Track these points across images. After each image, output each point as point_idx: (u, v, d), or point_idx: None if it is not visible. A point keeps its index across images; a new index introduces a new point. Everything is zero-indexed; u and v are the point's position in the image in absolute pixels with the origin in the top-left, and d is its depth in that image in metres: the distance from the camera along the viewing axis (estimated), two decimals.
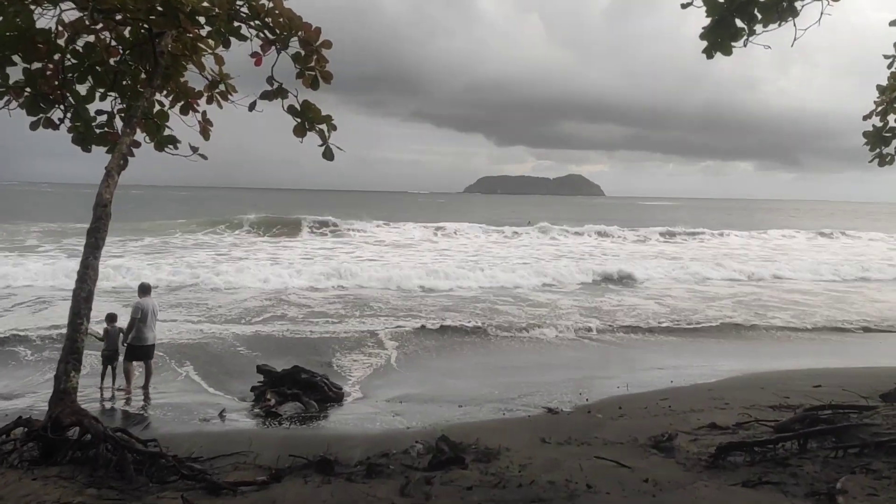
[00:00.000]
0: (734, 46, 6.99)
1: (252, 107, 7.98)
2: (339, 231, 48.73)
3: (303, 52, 7.68)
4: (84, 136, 8.32)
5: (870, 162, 10.83)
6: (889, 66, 9.80)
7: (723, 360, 14.93)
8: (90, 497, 5.93)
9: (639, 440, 8.29)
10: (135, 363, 12.10)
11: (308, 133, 7.94)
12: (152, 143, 8.71)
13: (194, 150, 8.52)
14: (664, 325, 19.13)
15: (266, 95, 7.90)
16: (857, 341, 18.02)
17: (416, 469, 7.06)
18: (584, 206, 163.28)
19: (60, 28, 7.42)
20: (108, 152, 8.28)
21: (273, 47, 7.62)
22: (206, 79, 8.44)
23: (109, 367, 12.08)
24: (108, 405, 11.30)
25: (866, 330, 19.25)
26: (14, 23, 7.11)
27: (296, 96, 7.85)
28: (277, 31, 7.56)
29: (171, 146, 8.69)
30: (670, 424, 8.98)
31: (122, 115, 8.35)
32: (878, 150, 10.57)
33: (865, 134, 10.49)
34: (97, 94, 8.14)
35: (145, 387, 11.97)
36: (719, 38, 6.91)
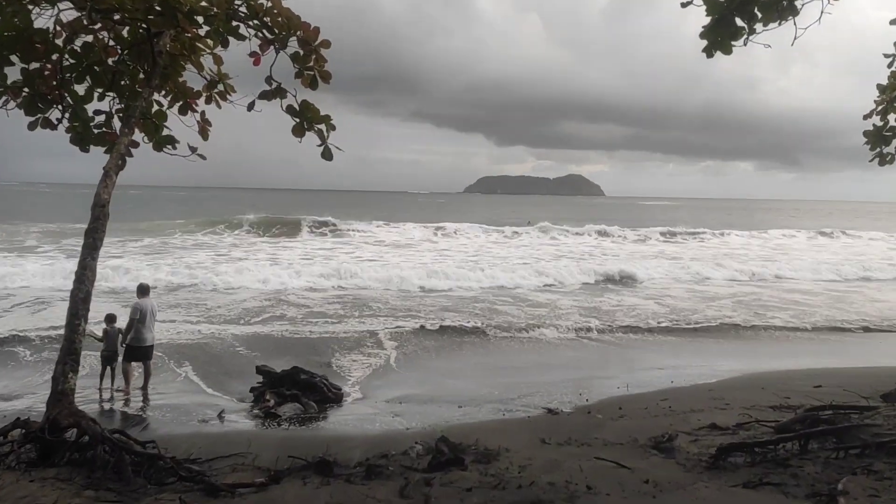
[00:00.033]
0: (734, 45, 6.97)
1: (251, 107, 7.97)
2: (339, 231, 48.71)
3: (301, 52, 7.67)
4: (82, 137, 8.30)
5: (870, 161, 10.81)
6: (889, 66, 9.78)
7: (723, 360, 14.91)
8: (88, 499, 5.91)
9: (639, 441, 8.27)
10: (134, 364, 12.07)
11: (307, 133, 7.93)
12: (151, 144, 8.70)
13: (193, 150, 8.50)
14: (664, 325, 19.11)
15: (265, 95, 7.89)
16: (857, 341, 18.00)
17: (415, 470, 7.03)
18: (584, 206, 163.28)
19: (58, 28, 7.40)
20: (106, 152, 8.27)
21: (272, 47, 7.61)
22: (205, 79, 8.43)
23: (108, 368, 12.05)
24: (106, 406, 11.26)
25: (866, 330, 19.23)
26: (12, 22, 7.09)
27: (294, 96, 7.83)
28: (276, 31, 7.54)
29: (169, 146, 8.68)
30: (670, 425, 8.95)
31: (121, 115, 8.34)
32: (878, 149, 10.56)
33: (866, 133, 10.48)
34: (95, 94, 8.12)
35: (144, 387, 11.93)
36: (719, 37, 6.89)
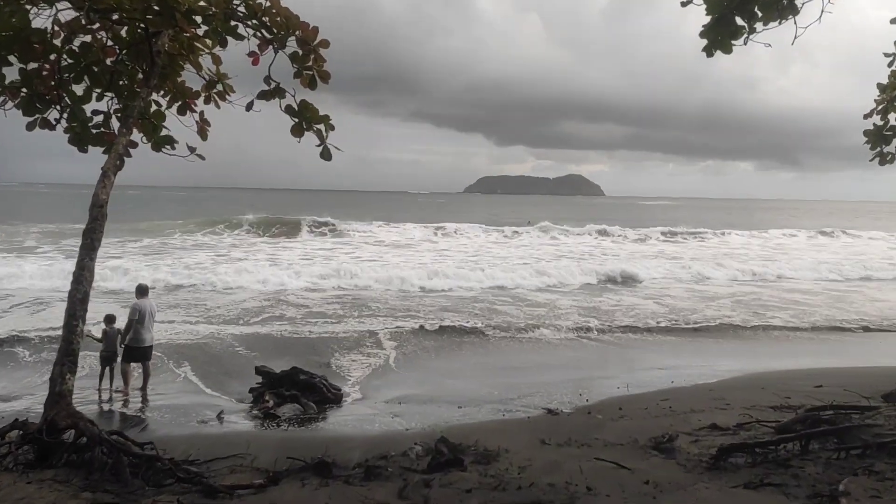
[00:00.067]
0: (734, 45, 6.94)
1: (249, 107, 7.95)
2: (339, 231, 48.66)
3: (300, 52, 7.65)
4: (80, 137, 8.28)
5: (871, 161, 10.80)
6: (889, 65, 9.76)
7: (723, 359, 14.88)
8: (85, 501, 5.89)
9: (639, 441, 8.24)
10: (133, 364, 12.04)
11: (306, 133, 7.90)
12: (149, 144, 8.67)
13: (192, 150, 8.49)
14: (664, 325, 19.08)
15: (263, 95, 7.87)
16: (857, 341, 17.97)
17: (414, 471, 7.01)
18: (584, 205, 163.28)
19: (56, 28, 7.37)
20: (104, 153, 8.24)
21: (270, 47, 7.59)
22: (204, 79, 8.41)
23: (108, 369, 12.03)
24: (105, 407, 11.23)
25: (867, 329, 19.21)
26: (10, 22, 7.06)
27: (293, 96, 7.81)
28: (275, 31, 7.53)
29: (168, 146, 8.66)
30: (671, 425, 8.93)
31: (119, 115, 8.31)
32: (878, 148, 10.54)
33: (866, 132, 10.46)
34: (94, 95, 8.10)
35: (143, 388, 11.91)
36: (719, 36, 6.87)
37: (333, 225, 49.92)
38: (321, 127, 7.83)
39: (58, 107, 7.88)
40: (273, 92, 7.85)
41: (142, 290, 12.46)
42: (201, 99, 8.47)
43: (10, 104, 7.68)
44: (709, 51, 7.02)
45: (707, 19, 6.87)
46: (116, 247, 34.07)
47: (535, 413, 10.39)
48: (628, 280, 27.98)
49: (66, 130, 8.14)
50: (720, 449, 7.28)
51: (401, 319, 18.78)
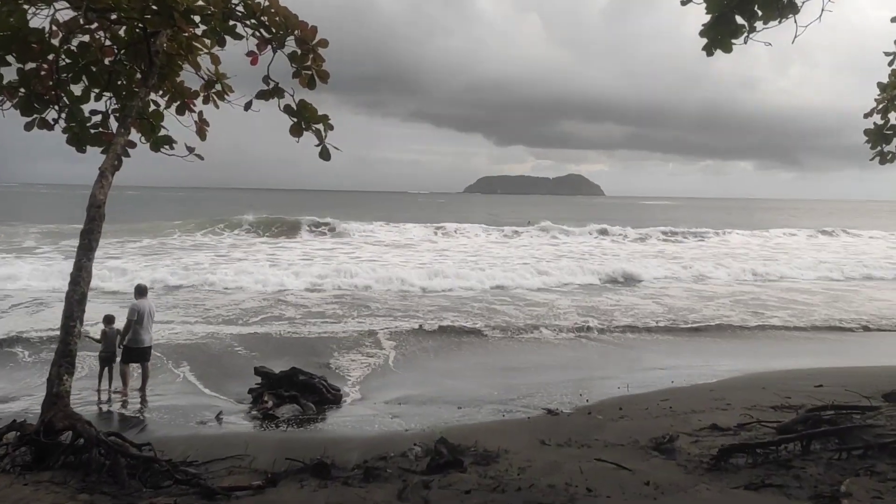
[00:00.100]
0: (734, 44, 6.91)
1: (248, 106, 7.92)
2: (339, 231, 48.60)
3: (299, 51, 7.62)
4: (79, 137, 8.25)
5: (871, 160, 10.78)
6: (890, 64, 9.73)
7: (723, 359, 14.86)
8: (82, 502, 5.86)
9: (639, 442, 8.22)
10: (132, 365, 12.01)
11: (305, 133, 7.87)
12: (148, 144, 8.65)
13: (190, 150, 8.46)
14: (664, 324, 19.05)
15: (262, 95, 7.84)
16: (857, 340, 17.95)
17: (413, 472, 6.98)
18: (584, 205, 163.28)
19: (54, 28, 7.34)
20: (103, 153, 8.21)
21: (269, 46, 7.56)
22: (202, 78, 8.39)
23: (107, 369, 12.00)
24: (104, 408, 11.21)
25: (867, 329, 19.19)
26: (7, 22, 7.04)
27: (292, 96, 7.78)
28: (273, 30, 7.50)
29: (167, 146, 8.63)
30: (671, 426, 8.90)
31: (117, 115, 8.28)
32: (879, 147, 10.52)
33: (866, 132, 10.43)
34: (92, 95, 8.07)
35: (142, 389, 11.88)
36: (719, 35, 6.83)
37: (333, 225, 49.87)
38: (320, 127, 7.80)
39: (56, 107, 7.86)
40: (272, 92, 7.81)
41: (140, 291, 12.43)
42: (200, 99, 8.44)
43: (8, 104, 7.65)
44: (709, 50, 6.98)
45: (707, 18, 6.84)
46: (116, 247, 34.03)
47: (535, 413, 10.36)
48: (628, 280, 27.96)
49: (64, 130, 8.11)
50: (721, 450, 7.26)
51: (400, 320, 18.75)
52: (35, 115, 7.75)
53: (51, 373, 7.05)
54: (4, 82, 7.50)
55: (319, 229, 48.44)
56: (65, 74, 7.71)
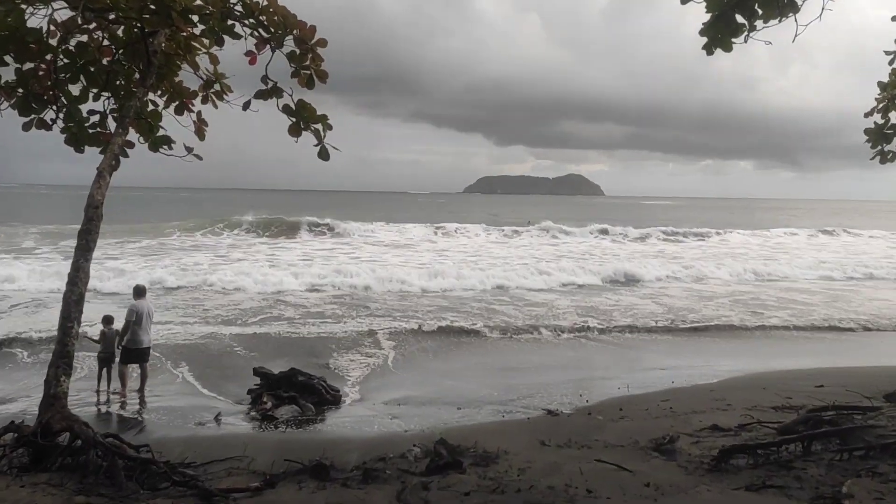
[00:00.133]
0: (734, 43, 6.88)
1: (246, 106, 7.89)
2: (339, 232, 48.55)
3: (298, 51, 7.59)
4: (77, 137, 8.23)
5: (871, 159, 10.75)
6: (890, 63, 9.69)
7: (724, 359, 14.83)
8: None
9: (640, 442, 8.18)
10: (130, 366, 11.98)
11: (304, 133, 7.84)
12: (146, 144, 8.62)
13: (189, 150, 8.43)
14: (664, 324, 19.02)
15: (261, 95, 7.81)
16: (858, 340, 17.92)
17: (413, 474, 6.95)
18: (584, 205, 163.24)
19: (52, 27, 7.31)
20: (101, 153, 8.19)
21: (268, 46, 7.53)
22: (201, 78, 8.36)
23: (106, 370, 11.97)
24: (103, 409, 11.18)
25: (867, 329, 19.16)
26: (5, 22, 7.01)
27: (291, 95, 7.75)
28: (272, 30, 7.47)
29: (165, 147, 8.60)
30: (671, 426, 8.86)
31: (115, 115, 8.25)
32: (879, 147, 10.48)
33: (867, 131, 10.41)
34: (90, 95, 8.04)
35: (141, 390, 11.84)
36: (719, 33, 6.80)
37: (334, 225, 49.82)
38: (319, 126, 7.77)
39: (54, 107, 7.83)
40: (270, 91, 7.79)
41: (139, 292, 12.39)
42: (199, 99, 8.41)
43: (6, 104, 7.62)
44: (709, 49, 6.95)
45: (707, 17, 6.81)
46: (115, 248, 34.00)
47: (535, 414, 10.33)
48: (629, 280, 27.92)
49: (62, 131, 8.09)
50: (721, 450, 7.22)
51: (400, 320, 18.71)
52: (33, 116, 7.74)
53: (48, 374, 7.02)
54: (2, 82, 7.48)
55: (319, 229, 48.38)
56: (63, 74, 7.68)
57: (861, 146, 10.69)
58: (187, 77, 8.46)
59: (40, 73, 7.59)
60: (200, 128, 8.44)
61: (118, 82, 8.26)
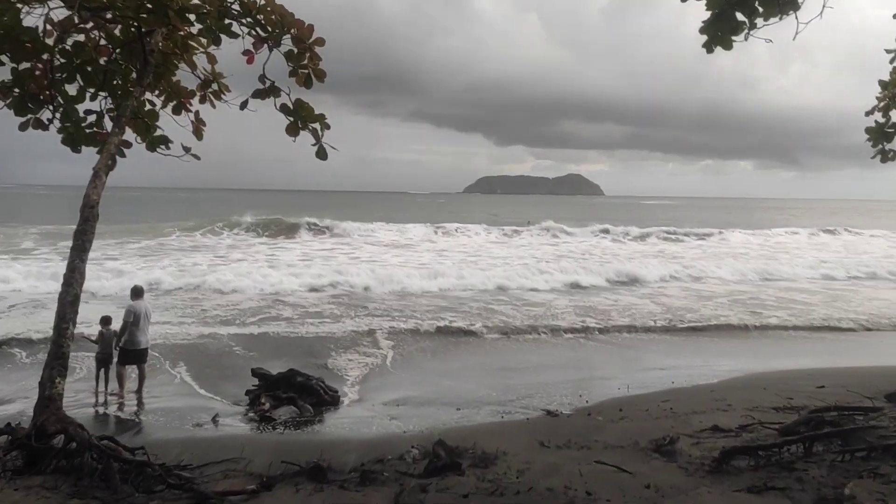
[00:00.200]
0: (734, 41, 6.84)
1: (244, 105, 7.84)
2: (338, 232, 48.47)
3: (295, 50, 7.54)
4: (73, 137, 8.18)
5: (872, 158, 10.71)
6: (891, 62, 9.65)
7: (724, 359, 14.78)
8: None
9: (640, 443, 8.13)
10: (128, 367, 11.93)
11: (302, 132, 7.80)
12: (144, 144, 8.57)
13: (186, 150, 8.39)
14: (664, 324, 18.96)
15: (258, 94, 7.77)
16: (859, 340, 17.87)
17: (411, 476, 6.90)
18: (584, 205, 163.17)
19: (49, 27, 7.26)
20: (98, 153, 8.15)
21: (265, 45, 7.48)
22: (199, 78, 8.31)
23: (103, 371, 11.91)
24: (101, 410, 11.13)
25: (868, 329, 19.11)
26: (0, 21, 6.95)
27: (288, 95, 7.71)
28: (269, 29, 7.42)
29: (163, 146, 8.56)
30: (672, 427, 8.81)
31: (112, 114, 8.21)
32: (880, 146, 10.44)
33: (868, 130, 10.37)
34: (87, 94, 7.99)
35: (138, 391, 11.79)
36: (719, 31, 6.75)
37: (334, 225, 49.73)
38: (316, 126, 7.73)
39: (50, 107, 7.79)
40: (268, 91, 7.75)
41: (137, 292, 12.34)
42: (196, 98, 8.36)
43: (1, 104, 7.57)
44: (709, 47, 6.91)
45: (707, 15, 6.77)
46: (114, 248, 33.94)
47: (535, 415, 10.28)
48: (629, 280, 27.86)
49: (59, 131, 8.04)
50: (722, 451, 7.17)
51: (399, 320, 18.65)
52: (30, 116, 7.69)
53: (43, 375, 6.97)
54: None
55: (319, 229, 48.32)
56: (59, 74, 7.65)
57: (862, 145, 10.66)
58: (185, 76, 8.45)
59: (37, 72, 7.54)
60: (198, 127, 8.40)
61: (115, 82, 8.22)
